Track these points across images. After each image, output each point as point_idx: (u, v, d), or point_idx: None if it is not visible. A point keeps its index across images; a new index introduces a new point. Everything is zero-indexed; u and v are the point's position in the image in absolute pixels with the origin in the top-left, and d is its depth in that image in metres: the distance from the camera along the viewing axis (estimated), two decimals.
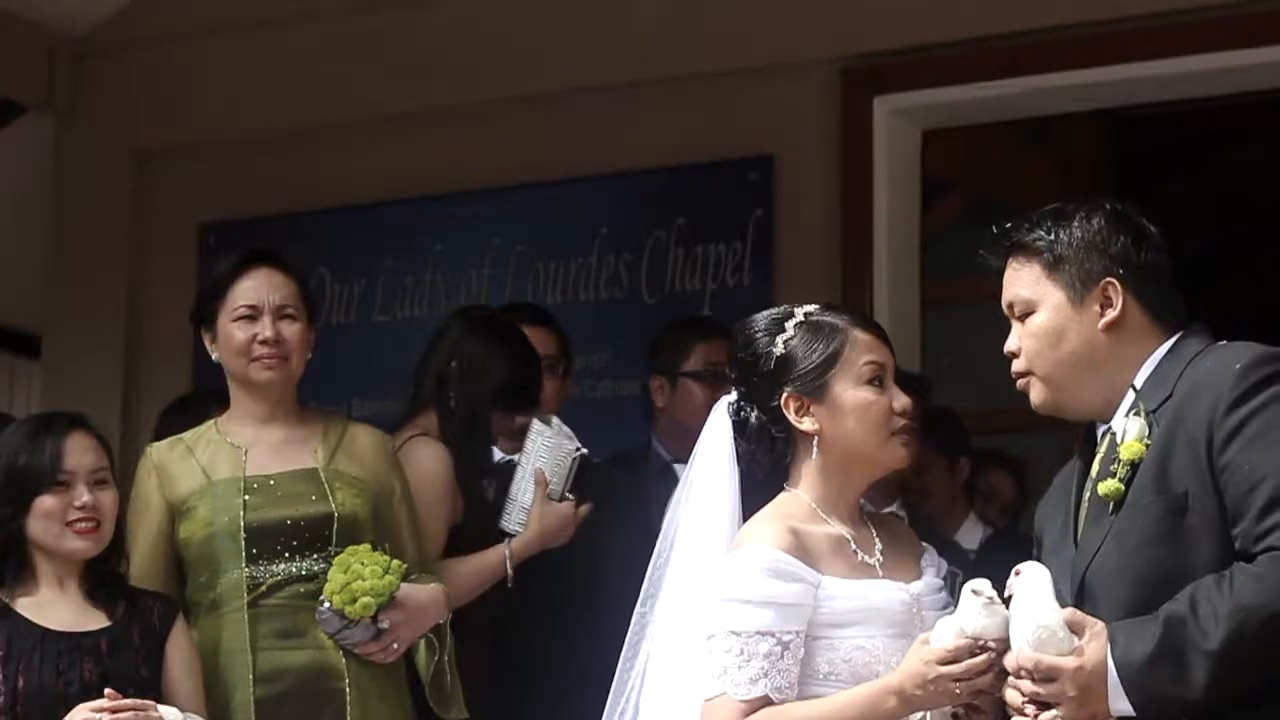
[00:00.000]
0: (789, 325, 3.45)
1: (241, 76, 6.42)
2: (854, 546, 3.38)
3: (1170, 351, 3.22)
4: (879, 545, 3.42)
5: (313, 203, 6.27)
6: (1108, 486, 3.14)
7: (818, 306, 3.49)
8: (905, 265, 5.75)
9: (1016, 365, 3.31)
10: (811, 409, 3.40)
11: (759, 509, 3.42)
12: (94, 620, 3.90)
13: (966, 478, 5.70)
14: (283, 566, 4.08)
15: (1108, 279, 3.24)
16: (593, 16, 5.98)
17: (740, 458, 3.46)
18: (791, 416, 3.40)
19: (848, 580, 3.32)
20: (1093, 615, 3.07)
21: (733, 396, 3.50)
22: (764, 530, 3.34)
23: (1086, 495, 3.25)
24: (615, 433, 5.39)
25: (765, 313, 3.50)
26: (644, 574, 3.97)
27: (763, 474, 3.45)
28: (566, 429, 4.48)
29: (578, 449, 4.46)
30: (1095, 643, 3.01)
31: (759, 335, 3.45)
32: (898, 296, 5.68)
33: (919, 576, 3.42)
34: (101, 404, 5.91)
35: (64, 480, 3.90)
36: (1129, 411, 3.18)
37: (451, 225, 6.15)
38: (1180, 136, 7.58)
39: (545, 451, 4.47)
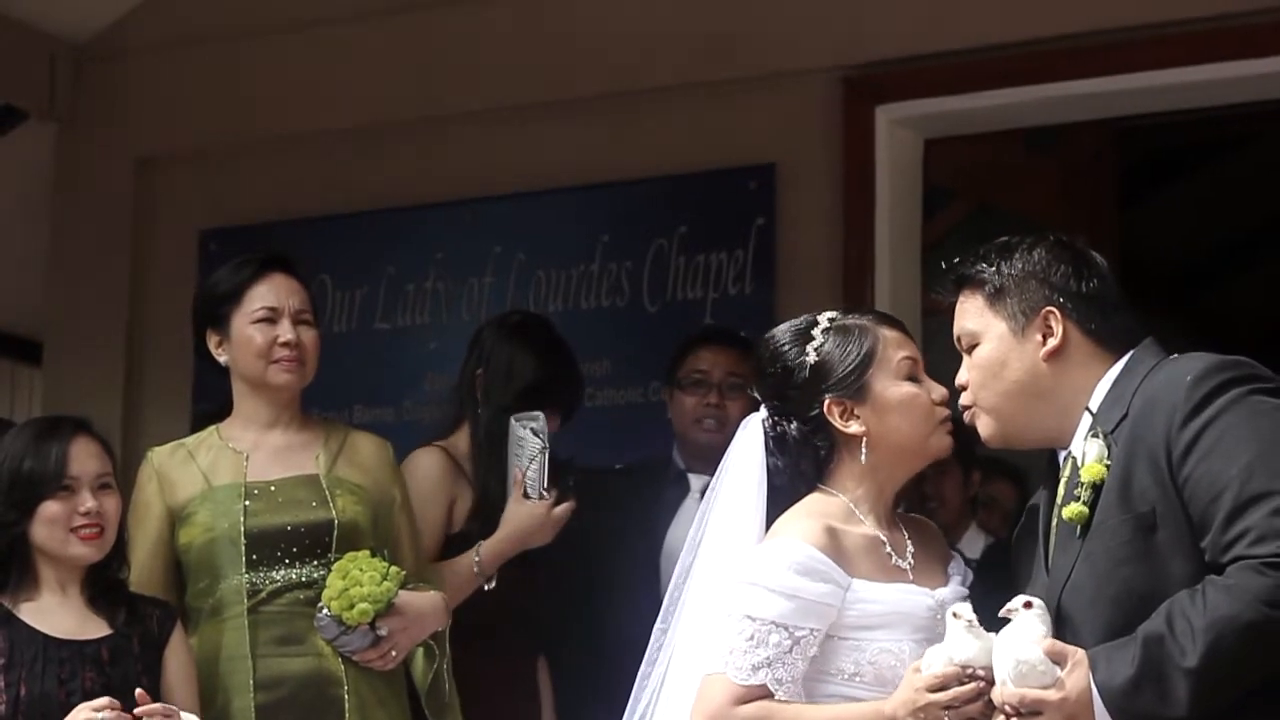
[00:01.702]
0: (816, 332, 3.44)
1: (242, 83, 6.41)
2: (888, 549, 3.38)
3: (1123, 371, 3.23)
4: (910, 548, 3.42)
5: (314, 209, 6.27)
6: (1072, 510, 3.15)
7: (837, 312, 3.49)
8: (907, 274, 5.75)
9: (963, 399, 3.33)
10: (855, 411, 3.40)
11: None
12: (95, 627, 3.89)
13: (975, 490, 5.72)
14: (282, 573, 4.07)
15: (1048, 308, 3.26)
16: (593, 25, 5.98)
17: (780, 472, 3.45)
18: (837, 422, 3.40)
19: (878, 584, 3.33)
20: (1071, 641, 3.07)
21: (763, 413, 3.48)
22: (801, 526, 3.34)
23: (1054, 522, 3.25)
24: (617, 440, 5.40)
25: (784, 326, 3.49)
26: (647, 579, 3.97)
27: (807, 486, 3.44)
28: (539, 426, 4.42)
29: (543, 447, 4.40)
30: (1077, 672, 3.01)
31: (786, 348, 3.45)
32: (899, 305, 5.66)
33: (946, 582, 3.42)
34: (102, 409, 5.89)
35: (69, 485, 3.89)
36: (1087, 434, 3.18)
37: (453, 232, 6.14)
38: (1181, 145, 7.59)
39: (517, 450, 4.44)
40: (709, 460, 4.75)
